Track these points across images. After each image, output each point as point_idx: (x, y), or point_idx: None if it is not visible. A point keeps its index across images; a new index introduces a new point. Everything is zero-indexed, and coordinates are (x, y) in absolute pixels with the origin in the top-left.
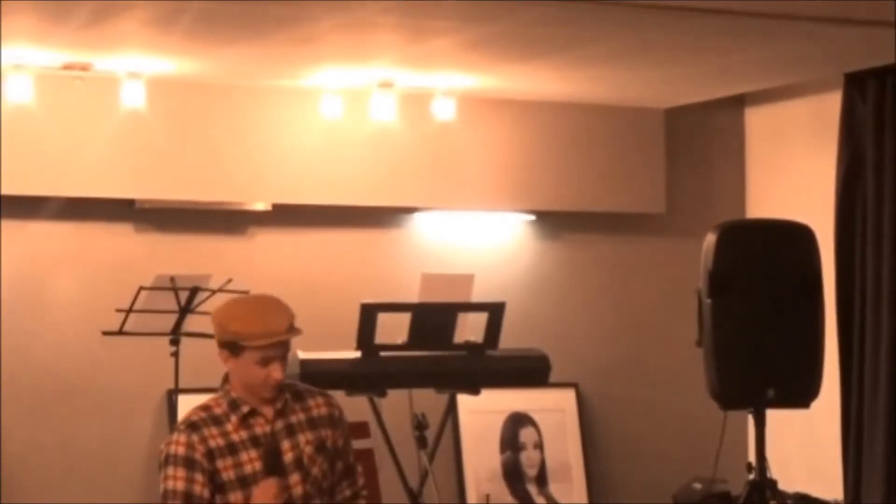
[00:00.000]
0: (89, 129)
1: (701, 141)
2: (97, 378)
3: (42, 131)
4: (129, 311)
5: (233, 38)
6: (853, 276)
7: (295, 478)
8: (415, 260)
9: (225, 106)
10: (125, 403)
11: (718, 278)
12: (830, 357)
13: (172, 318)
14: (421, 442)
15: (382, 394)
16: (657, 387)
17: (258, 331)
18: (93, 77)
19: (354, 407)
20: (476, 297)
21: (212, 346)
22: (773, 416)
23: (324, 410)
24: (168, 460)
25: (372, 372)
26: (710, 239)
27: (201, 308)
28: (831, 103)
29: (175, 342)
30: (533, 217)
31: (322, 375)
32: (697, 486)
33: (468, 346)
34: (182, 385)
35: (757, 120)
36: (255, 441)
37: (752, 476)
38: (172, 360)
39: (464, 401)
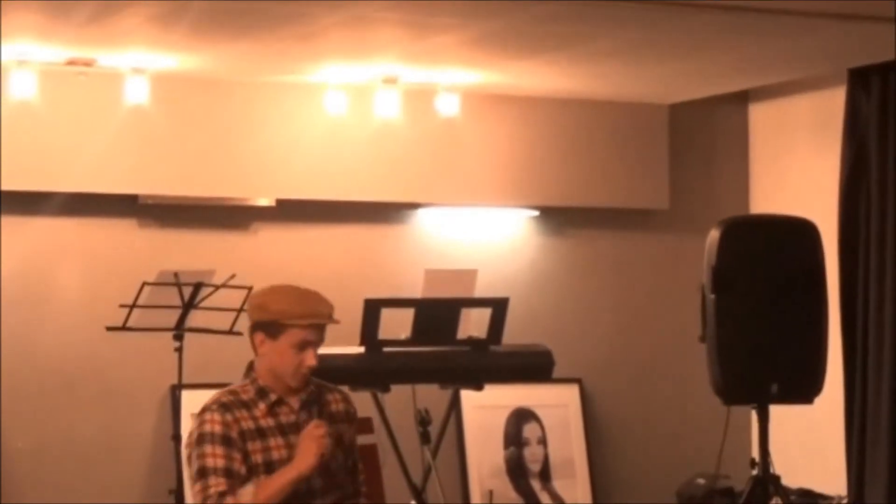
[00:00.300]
0: (93, 124)
1: (704, 137)
2: (100, 373)
3: (45, 127)
4: (133, 306)
5: (236, 34)
6: (857, 271)
7: (314, 472)
8: (418, 255)
9: (228, 102)
10: (129, 399)
11: (722, 274)
12: (834, 353)
13: (176, 314)
14: (424, 437)
15: (386, 389)
16: (661, 382)
17: (303, 310)
18: (96, 73)
19: (358, 402)
20: (479, 292)
21: (215, 341)
22: (776, 411)
23: (341, 406)
24: (204, 438)
25: (375, 367)
26: (714, 235)
27: (205, 304)
28: (835, 99)
29: (178, 338)
30: (536, 213)
31: (325, 371)
32: (701, 481)
33: (472, 342)
34: (185, 381)
35: (760, 116)
36: (281, 429)
37: (755, 472)
38: (176, 355)
39: (467, 396)
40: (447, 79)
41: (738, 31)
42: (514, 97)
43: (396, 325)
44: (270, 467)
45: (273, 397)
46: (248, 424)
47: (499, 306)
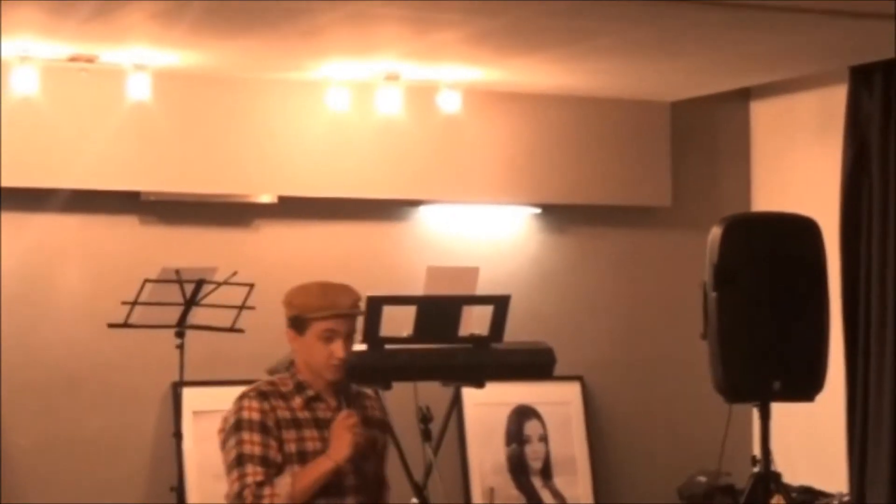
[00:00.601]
0: (95, 121)
1: (706, 134)
2: (102, 370)
3: (47, 123)
4: (135, 303)
5: (238, 30)
6: (858, 269)
7: (348, 468)
8: (420, 253)
9: (230, 99)
10: (130, 396)
11: (724, 271)
12: (835, 350)
13: (178, 311)
14: (426, 435)
15: (388, 386)
16: (662, 380)
17: (322, 303)
18: (98, 69)
19: None
20: (481, 290)
21: (217, 338)
22: (777, 409)
23: (378, 413)
24: (241, 425)
25: (377, 364)
26: (716, 232)
27: (206, 301)
28: (837, 97)
29: (180, 335)
30: (538, 210)
31: None
32: (702, 479)
33: (473, 339)
34: (187, 378)
35: (762, 113)
36: (317, 423)
37: (756, 469)
38: (178, 352)
39: (469, 394)
40: (449, 76)
41: (740, 29)
42: (515, 94)
43: (398, 323)
44: (304, 458)
45: (311, 392)
46: (285, 414)
47: (500, 304)
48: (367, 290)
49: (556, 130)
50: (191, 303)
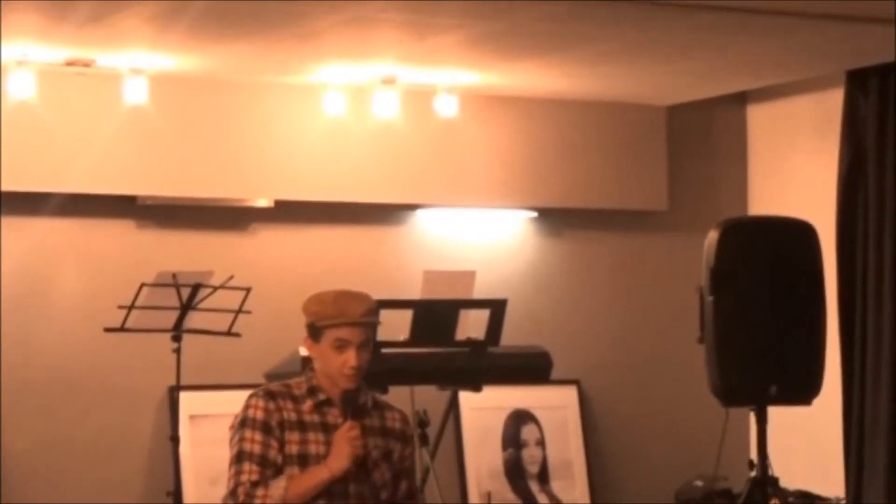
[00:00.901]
0: (91, 125)
1: (703, 138)
2: (99, 374)
3: (44, 127)
4: (131, 307)
5: (235, 34)
6: (855, 273)
7: (350, 477)
8: (417, 257)
9: (227, 102)
10: (127, 400)
11: (720, 275)
12: (832, 354)
13: (174, 315)
14: (423, 439)
15: (384, 390)
16: (659, 384)
17: (333, 311)
18: (95, 73)
19: None
20: (478, 293)
21: (214, 342)
22: (774, 413)
23: (398, 425)
24: (246, 423)
25: (373, 368)
26: (713, 236)
27: (203, 305)
28: (833, 100)
29: (177, 339)
30: (535, 214)
31: None
32: (699, 483)
33: (470, 343)
34: (184, 382)
35: (759, 117)
36: (325, 428)
37: (753, 473)
38: (174, 356)
39: (465, 398)
40: (446, 80)
41: (737, 33)
42: (512, 98)
43: (395, 327)
44: (305, 460)
45: (322, 396)
46: (291, 415)
47: (497, 308)
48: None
49: (553, 134)
50: (187, 307)
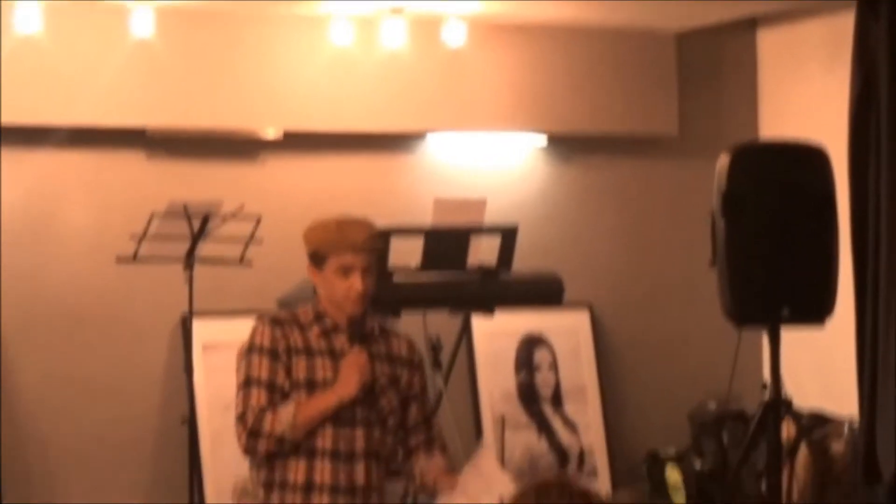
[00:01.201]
0: (99, 57)
1: (713, 63)
2: (111, 306)
3: (50, 60)
4: (142, 237)
5: None
6: (867, 195)
7: (357, 402)
8: (427, 184)
9: (235, 34)
10: (139, 330)
11: (732, 199)
12: (845, 276)
13: (185, 245)
14: (435, 364)
15: (397, 314)
16: (671, 307)
17: (337, 237)
18: (102, 5)
19: None
20: (489, 220)
21: (225, 272)
22: (787, 334)
23: (405, 352)
24: (252, 349)
25: (386, 295)
26: (724, 161)
27: (214, 234)
28: (844, 24)
29: (189, 268)
30: (545, 139)
31: None
32: (712, 405)
33: (482, 269)
34: (196, 311)
35: (769, 42)
36: (332, 354)
37: (766, 395)
38: (186, 286)
39: (478, 323)
40: (454, 8)
41: None
42: (520, 26)
43: (406, 254)
44: (313, 386)
45: (328, 323)
46: (297, 342)
47: (508, 233)
48: (374, 221)
49: (562, 62)
50: (198, 236)
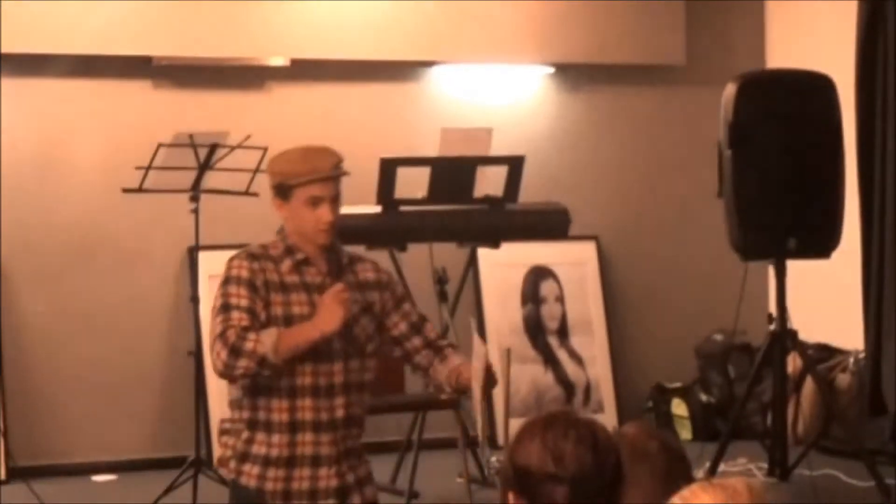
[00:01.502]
0: None
1: None
2: (117, 237)
3: None
4: (149, 168)
5: None
6: (874, 125)
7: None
8: (434, 114)
9: None
10: (146, 261)
11: (738, 129)
12: (851, 207)
13: (192, 175)
14: (442, 296)
15: (403, 248)
16: (678, 239)
17: (304, 168)
18: None
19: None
20: (495, 150)
21: (231, 201)
22: (793, 266)
23: (371, 275)
24: (230, 280)
25: (392, 226)
26: (730, 90)
27: (220, 165)
28: None
29: (195, 199)
30: (552, 70)
31: (342, 230)
32: (718, 337)
33: (488, 200)
34: (202, 242)
35: None
36: (306, 287)
37: (772, 327)
38: (192, 217)
39: (484, 255)
40: None
41: None
42: None
43: (413, 184)
44: (289, 321)
45: (300, 255)
46: (273, 276)
47: (515, 164)
48: (380, 152)
49: None
50: (205, 167)
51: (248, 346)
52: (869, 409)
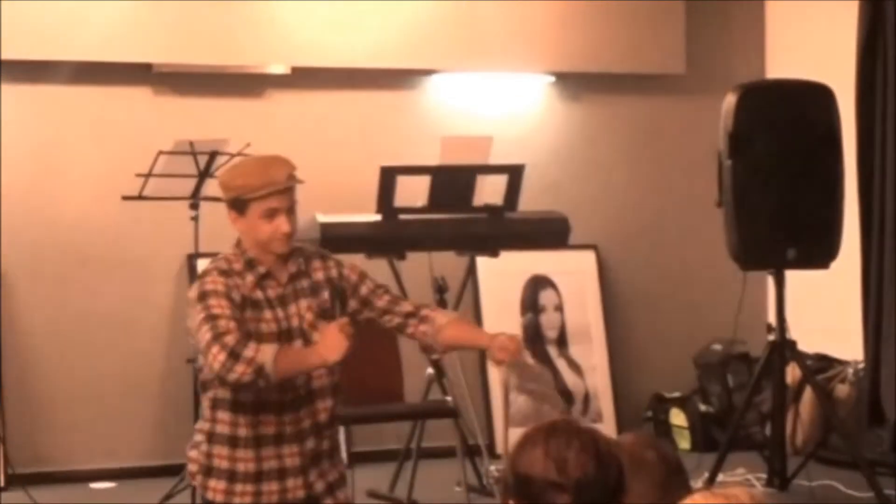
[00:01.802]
0: None
1: (721, 1)
2: (117, 244)
3: None
4: (149, 175)
5: None
6: (873, 135)
7: (297, 343)
8: (434, 122)
9: None
10: (146, 268)
11: (738, 139)
12: (850, 217)
13: (192, 183)
14: (441, 305)
15: (402, 256)
16: (677, 248)
17: (257, 182)
18: None
19: (374, 270)
20: (495, 159)
21: None
22: (792, 276)
23: (320, 275)
24: (208, 294)
25: (392, 234)
26: (730, 100)
27: (220, 172)
28: None
29: (195, 206)
30: (553, 78)
31: (342, 238)
32: (717, 347)
33: (488, 209)
34: (202, 249)
35: None
36: (269, 303)
37: (771, 337)
38: (192, 224)
39: (484, 263)
40: None
41: None
42: None
43: (412, 193)
44: (259, 339)
45: (262, 270)
46: (242, 292)
47: (515, 173)
48: (380, 160)
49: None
50: (205, 174)
51: (249, 352)
52: (868, 419)
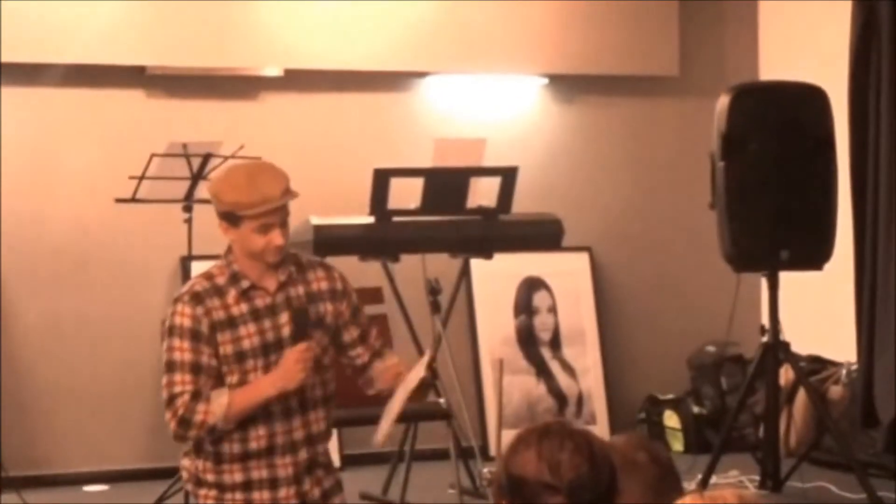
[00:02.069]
0: None
1: (714, 3)
2: (110, 246)
3: None
4: (142, 178)
5: None
6: (867, 137)
7: (286, 352)
8: (427, 124)
9: None
10: (139, 270)
11: (731, 141)
12: (844, 219)
13: (185, 185)
14: (434, 307)
15: (395, 259)
16: (671, 250)
17: (253, 199)
18: None
19: (367, 272)
20: (489, 161)
21: None
22: (786, 278)
23: (324, 285)
24: (173, 331)
25: (385, 237)
26: (724, 101)
27: (213, 175)
28: None
29: (188, 209)
30: (546, 80)
31: (335, 240)
32: (711, 349)
33: (481, 211)
34: (195, 252)
35: None
36: (254, 314)
37: (765, 339)
38: (186, 227)
39: (477, 265)
40: None
41: None
42: None
43: (406, 195)
44: (241, 357)
45: (245, 284)
46: (220, 315)
47: (508, 175)
48: (374, 162)
49: (563, 2)
50: (198, 177)
51: (198, 418)
52: (861, 420)
